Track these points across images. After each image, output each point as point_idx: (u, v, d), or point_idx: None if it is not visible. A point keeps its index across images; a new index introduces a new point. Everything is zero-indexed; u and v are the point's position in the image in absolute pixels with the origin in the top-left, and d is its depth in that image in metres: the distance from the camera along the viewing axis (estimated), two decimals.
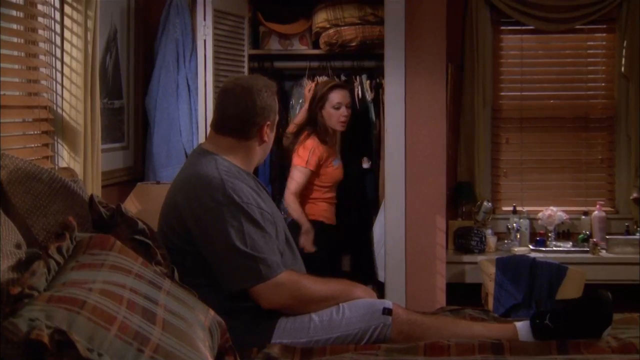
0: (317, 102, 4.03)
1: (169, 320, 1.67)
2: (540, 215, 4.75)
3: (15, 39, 2.83)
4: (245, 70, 4.36)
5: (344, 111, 4.01)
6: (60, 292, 1.54)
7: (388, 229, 4.09)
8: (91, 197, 2.09)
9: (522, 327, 2.29)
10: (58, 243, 1.76)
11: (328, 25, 4.45)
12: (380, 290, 4.11)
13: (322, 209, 4.02)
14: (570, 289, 3.92)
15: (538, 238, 4.68)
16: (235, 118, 2.41)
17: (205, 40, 3.91)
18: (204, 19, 3.91)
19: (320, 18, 4.47)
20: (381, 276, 4.28)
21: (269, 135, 2.47)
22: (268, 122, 2.44)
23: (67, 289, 1.56)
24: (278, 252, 2.34)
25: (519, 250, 4.54)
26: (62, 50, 2.94)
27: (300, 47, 4.68)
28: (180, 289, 1.92)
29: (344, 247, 4.43)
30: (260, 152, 2.49)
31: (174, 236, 2.32)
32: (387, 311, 2.30)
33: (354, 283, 2.46)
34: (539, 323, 2.26)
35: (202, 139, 3.86)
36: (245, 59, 4.36)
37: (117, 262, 1.78)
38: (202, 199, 2.30)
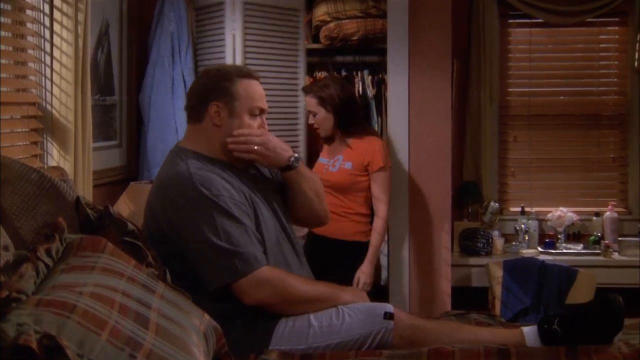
0: None
1: (162, 325, 1.66)
2: (549, 216, 4.74)
3: (2, 33, 2.79)
4: None
5: (310, 118, 3.71)
6: (49, 295, 1.54)
7: (391, 231, 4.04)
8: (77, 199, 2.09)
9: (529, 332, 2.26)
10: (47, 245, 1.77)
11: (329, 19, 4.44)
12: (381, 293, 4.05)
13: None
14: (580, 293, 3.91)
15: (547, 240, 4.66)
16: (188, 101, 2.50)
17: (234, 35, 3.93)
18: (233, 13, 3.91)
19: (321, 11, 4.46)
20: (382, 279, 4.25)
21: (222, 118, 2.39)
22: (215, 102, 2.39)
23: (56, 292, 1.56)
24: (258, 244, 2.29)
25: (527, 252, 4.51)
26: (52, 44, 2.90)
27: None
28: (174, 292, 1.92)
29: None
30: (219, 136, 2.39)
31: (154, 241, 2.27)
32: (388, 316, 2.26)
33: (343, 287, 2.43)
34: (547, 328, 2.22)
35: None
36: None
37: (109, 264, 1.78)
38: (172, 198, 2.29)
